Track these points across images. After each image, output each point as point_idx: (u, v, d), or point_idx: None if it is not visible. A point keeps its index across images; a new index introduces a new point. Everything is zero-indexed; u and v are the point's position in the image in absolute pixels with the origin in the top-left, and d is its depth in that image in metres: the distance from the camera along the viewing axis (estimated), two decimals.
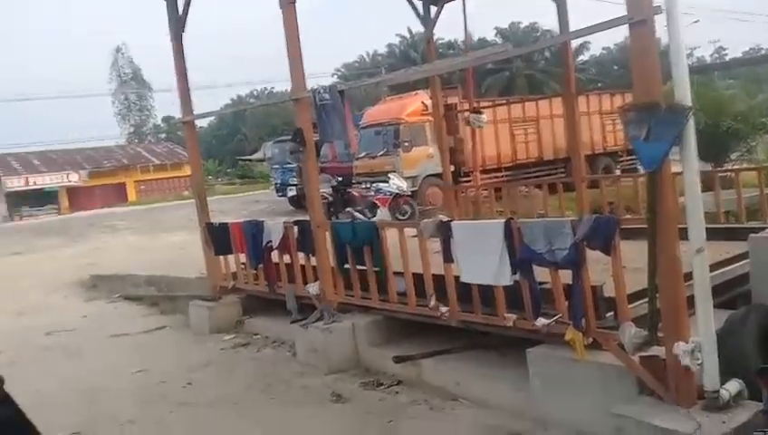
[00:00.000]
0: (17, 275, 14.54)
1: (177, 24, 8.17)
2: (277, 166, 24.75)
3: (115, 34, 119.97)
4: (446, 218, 5.60)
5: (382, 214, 15.30)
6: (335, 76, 55.00)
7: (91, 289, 12.22)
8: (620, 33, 53.96)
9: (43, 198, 45.38)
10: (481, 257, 4.82)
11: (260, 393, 5.85)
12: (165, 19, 8.28)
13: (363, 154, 19.24)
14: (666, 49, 3.74)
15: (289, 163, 22.64)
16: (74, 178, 46.99)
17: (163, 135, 68.75)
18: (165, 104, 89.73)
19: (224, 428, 5.16)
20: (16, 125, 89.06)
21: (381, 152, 18.74)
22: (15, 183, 45.12)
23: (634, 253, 4.36)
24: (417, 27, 12.82)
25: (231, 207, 24.13)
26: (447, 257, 5.21)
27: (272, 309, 7.92)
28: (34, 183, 45.67)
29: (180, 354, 7.49)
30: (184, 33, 8.22)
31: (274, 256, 7.46)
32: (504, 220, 4.84)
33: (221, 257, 8.39)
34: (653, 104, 3.62)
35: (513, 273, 4.65)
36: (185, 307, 8.95)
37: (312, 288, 6.73)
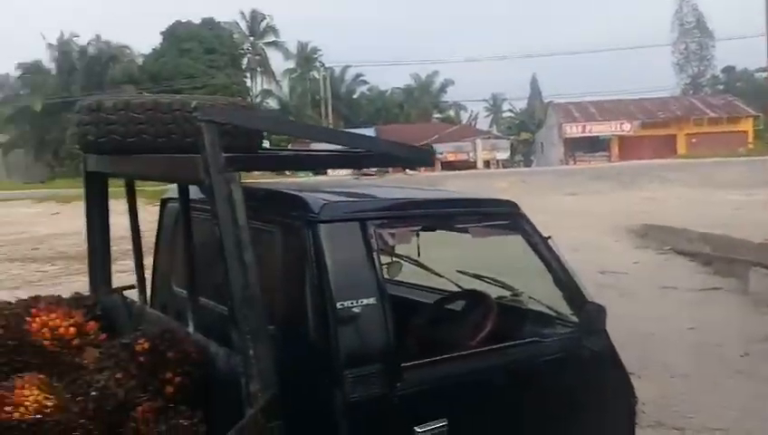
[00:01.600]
0: (570, 212, 15.84)
1: None
2: None
3: None
4: None
5: None
6: None
7: (641, 237, 12.49)
8: None
9: (595, 145, 48.42)
10: None
11: None
12: None
13: None
14: None
15: None
16: (626, 128, 48.42)
17: (720, 87, 63.96)
18: (726, 54, 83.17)
19: None
20: (579, 76, 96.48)
21: None
22: (573, 130, 49.24)
23: None
24: None
25: None
26: None
27: None
28: (589, 131, 48.95)
29: (736, 321, 7.08)
30: None
31: None
32: None
33: None
34: None
35: None
36: (743, 272, 8.34)
37: None
